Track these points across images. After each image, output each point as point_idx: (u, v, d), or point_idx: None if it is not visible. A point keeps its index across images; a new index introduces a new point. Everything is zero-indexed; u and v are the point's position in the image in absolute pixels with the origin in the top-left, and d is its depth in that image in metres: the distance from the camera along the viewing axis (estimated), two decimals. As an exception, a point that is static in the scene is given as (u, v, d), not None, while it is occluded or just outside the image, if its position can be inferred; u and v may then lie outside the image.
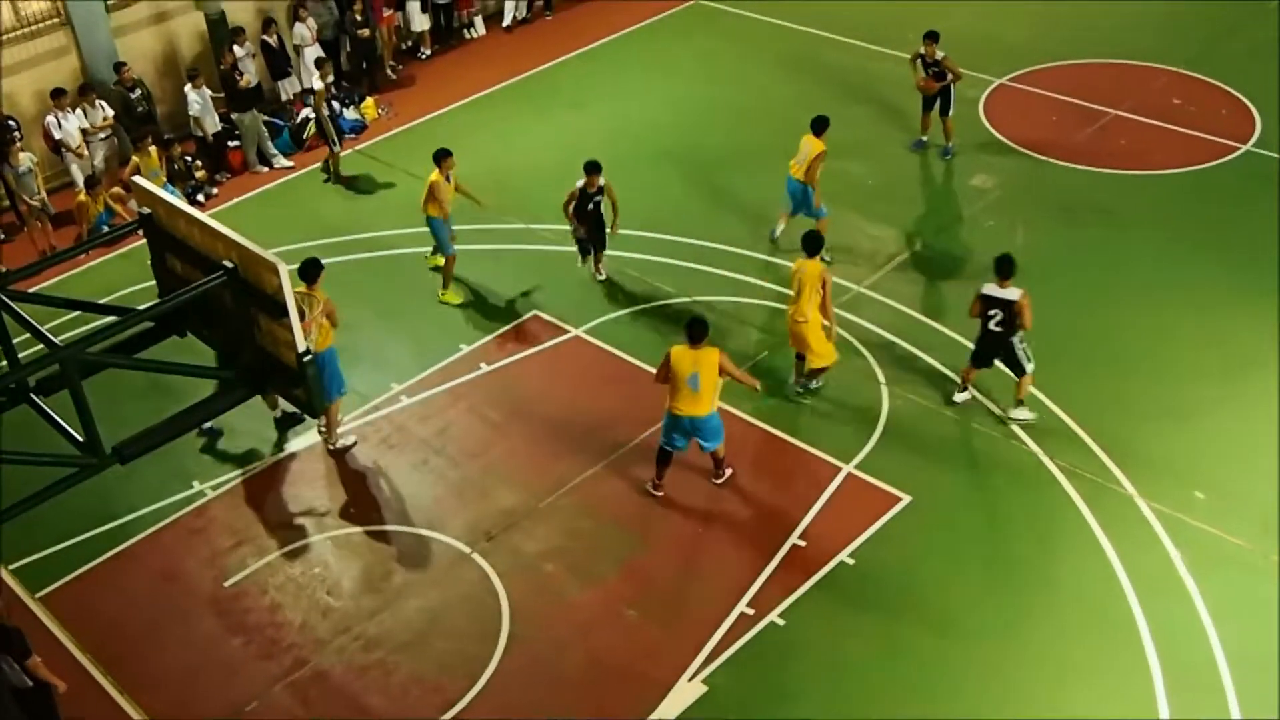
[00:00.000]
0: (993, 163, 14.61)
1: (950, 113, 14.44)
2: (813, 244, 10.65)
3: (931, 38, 14.06)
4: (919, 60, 14.20)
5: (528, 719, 8.44)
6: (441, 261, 12.81)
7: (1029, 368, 10.37)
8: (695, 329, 9.51)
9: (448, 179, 12.33)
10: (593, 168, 12.14)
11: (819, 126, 12.51)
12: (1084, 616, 8.86)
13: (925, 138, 14.82)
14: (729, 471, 10.19)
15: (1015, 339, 10.29)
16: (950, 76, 14.08)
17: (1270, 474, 9.91)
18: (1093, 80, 16.19)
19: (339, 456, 10.81)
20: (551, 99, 16.94)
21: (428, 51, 18.57)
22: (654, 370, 11.41)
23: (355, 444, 10.89)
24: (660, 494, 10.08)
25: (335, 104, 16.53)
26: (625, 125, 16.02)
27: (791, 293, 10.79)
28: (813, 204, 12.63)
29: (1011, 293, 10.14)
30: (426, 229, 12.72)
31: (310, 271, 10.09)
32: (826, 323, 10.68)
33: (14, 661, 7.81)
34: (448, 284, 12.71)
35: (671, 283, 12.74)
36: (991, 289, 10.25)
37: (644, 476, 10.29)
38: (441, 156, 12.30)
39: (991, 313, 10.32)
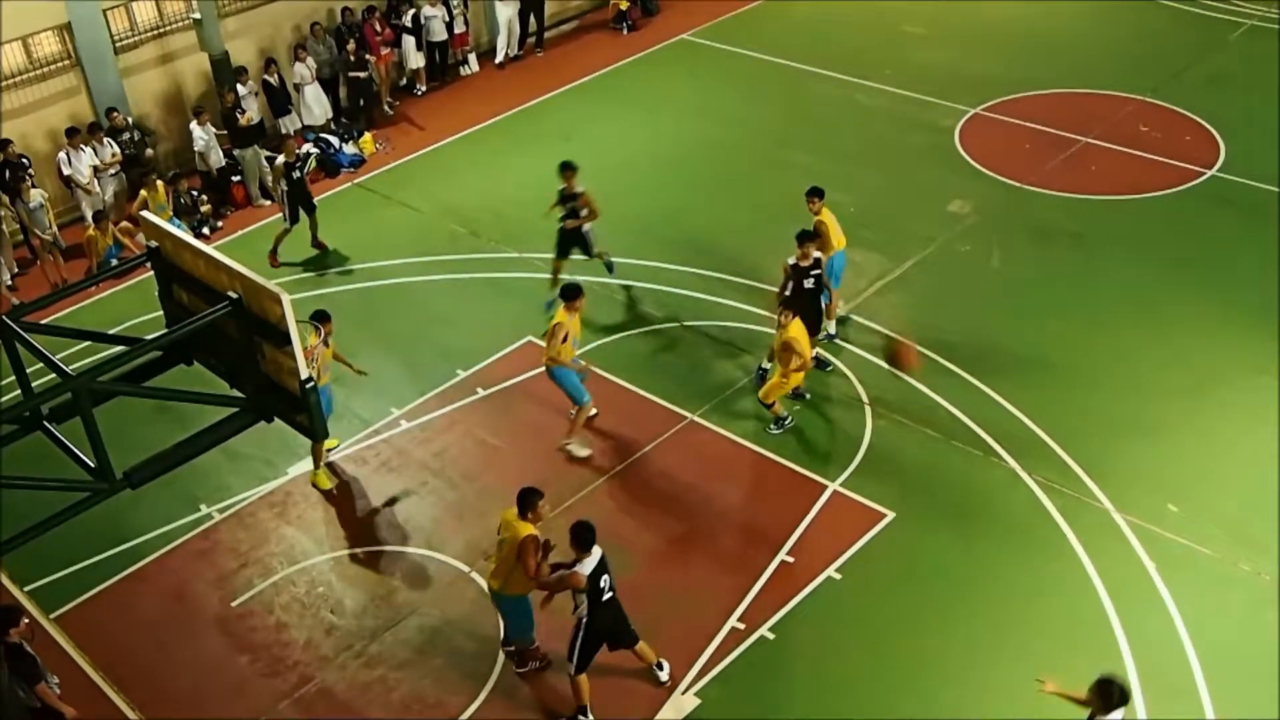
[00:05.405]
0: (968, 189, 15.00)
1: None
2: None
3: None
4: None
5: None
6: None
7: None
8: (522, 497, 8.41)
9: (326, 344, 10.58)
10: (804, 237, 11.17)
11: None
12: (1063, 626, 9.11)
13: None
14: (533, 664, 9.05)
15: None
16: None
17: (1232, 486, 10.24)
18: (1063, 109, 16.63)
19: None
20: (543, 132, 17.30)
21: (423, 88, 18.98)
22: (643, 393, 11.81)
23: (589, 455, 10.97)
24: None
25: (334, 139, 16.96)
26: (614, 156, 16.37)
27: None
28: None
29: None
30: (432, 268, 13.01)
31: None
32: None
33: (25, 686, 8.05)
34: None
35: (660, 308, 13.08)
36: None
37: (633, 499, 10.60)
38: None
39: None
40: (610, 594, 8.37)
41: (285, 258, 14.45)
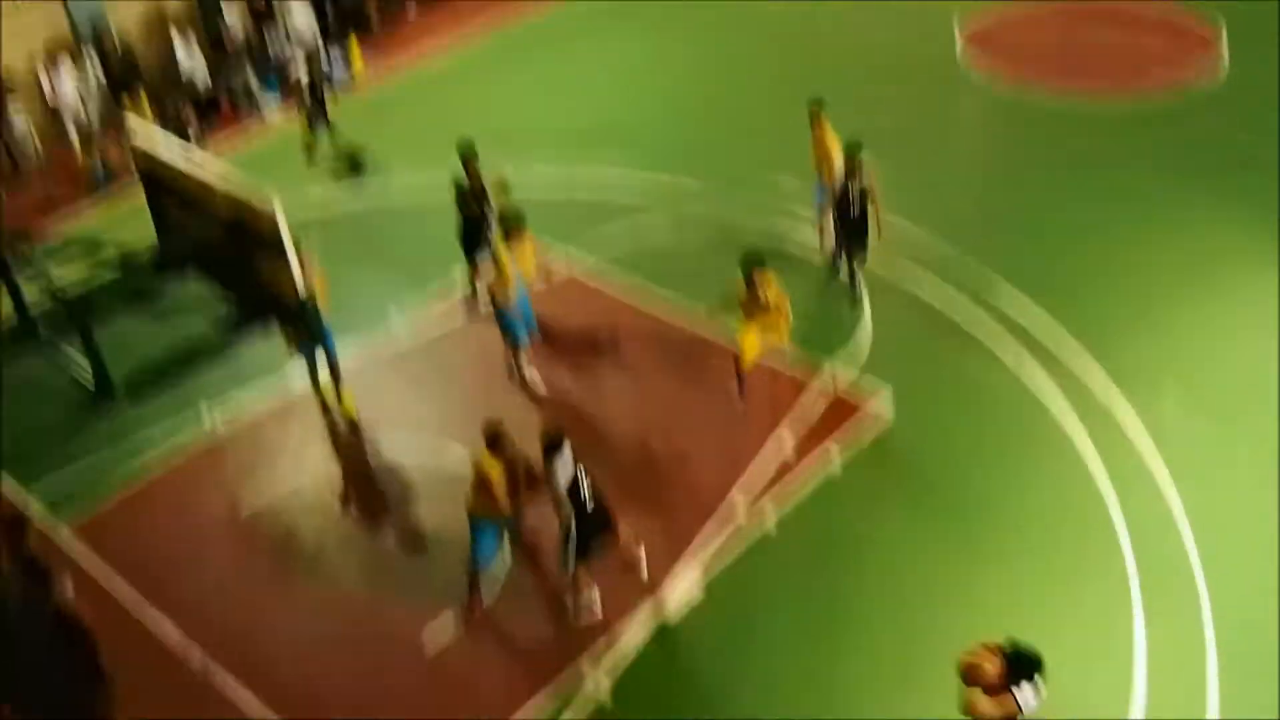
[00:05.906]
0: (976, 95, 15.01)
1: None
2: None
3: None
4: None
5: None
6: None
7: None
8: (486, 433, 8.39)
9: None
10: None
11: None
12: (1060, 517, 9.14)
13: None
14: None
15: None
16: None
17: (1232, 380, 10.29)
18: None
19: None
20: (539, 52, 17.03)
21: (413, 3, 18.67)
22: (650, 288, 11.73)
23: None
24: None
25: (323, 59, 16.71)
26: (615, 76, 16.19)
27: None
28: None
29: None
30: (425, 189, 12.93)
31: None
32: None
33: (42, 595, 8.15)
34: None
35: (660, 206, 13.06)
36: None
37: (634, 395, 10.59)
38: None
39: None
40: (592, 504, 8.26)
41: (282, 171, 14.31)
